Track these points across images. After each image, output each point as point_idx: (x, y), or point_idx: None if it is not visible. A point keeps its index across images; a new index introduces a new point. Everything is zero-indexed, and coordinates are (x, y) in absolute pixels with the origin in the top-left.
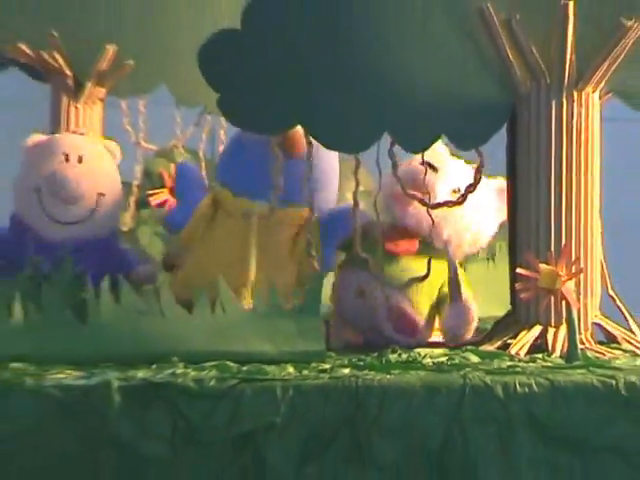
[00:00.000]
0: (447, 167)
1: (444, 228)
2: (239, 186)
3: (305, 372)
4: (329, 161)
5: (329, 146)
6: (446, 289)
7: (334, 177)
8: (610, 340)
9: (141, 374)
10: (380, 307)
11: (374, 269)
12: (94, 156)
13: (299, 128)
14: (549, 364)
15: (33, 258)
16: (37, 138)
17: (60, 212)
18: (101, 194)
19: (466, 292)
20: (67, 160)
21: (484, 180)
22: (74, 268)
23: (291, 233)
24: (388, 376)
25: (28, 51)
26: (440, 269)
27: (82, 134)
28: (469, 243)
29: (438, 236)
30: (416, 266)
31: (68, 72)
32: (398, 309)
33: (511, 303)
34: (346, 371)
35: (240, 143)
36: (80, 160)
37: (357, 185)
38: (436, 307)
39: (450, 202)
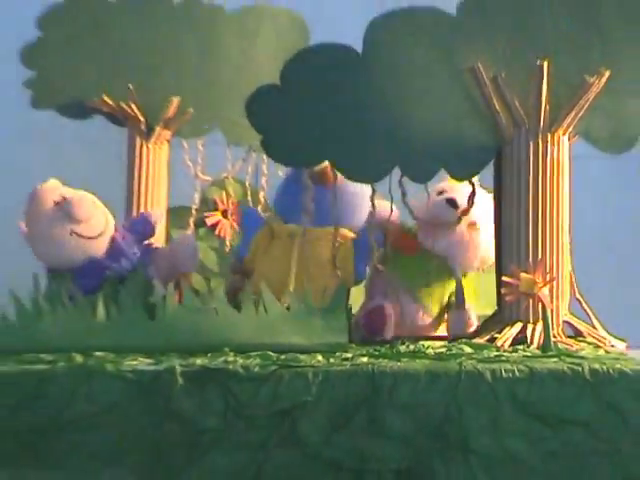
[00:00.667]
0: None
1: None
2: (289, 215)
3: (331, 360)
4: (356, 189)
5: (350, 177)
6: (453, 297)
7: (362, 202)
8: (577, 334)
9: (199, 361)
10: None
11: (391, 278)
12: (62, 188)
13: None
14: (528, 354)
15: (113, 266)
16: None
17: (87, 229)
18: (93, 202)
19: (468, 301)
20: (58, 202)
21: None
22: (144, 274)
23: (328, 247)
24: (398, 363)
25: (110, 102)
26: (448, 280)
27: (41, 187)
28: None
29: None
30: (417, 266)
31: (141, 118)
32: (378, 310)
33: (497, 304)
34: (364, 359)
35: (288, 183)
36: (64, 197)
37: (373, 207)
38: (445, 310)
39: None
